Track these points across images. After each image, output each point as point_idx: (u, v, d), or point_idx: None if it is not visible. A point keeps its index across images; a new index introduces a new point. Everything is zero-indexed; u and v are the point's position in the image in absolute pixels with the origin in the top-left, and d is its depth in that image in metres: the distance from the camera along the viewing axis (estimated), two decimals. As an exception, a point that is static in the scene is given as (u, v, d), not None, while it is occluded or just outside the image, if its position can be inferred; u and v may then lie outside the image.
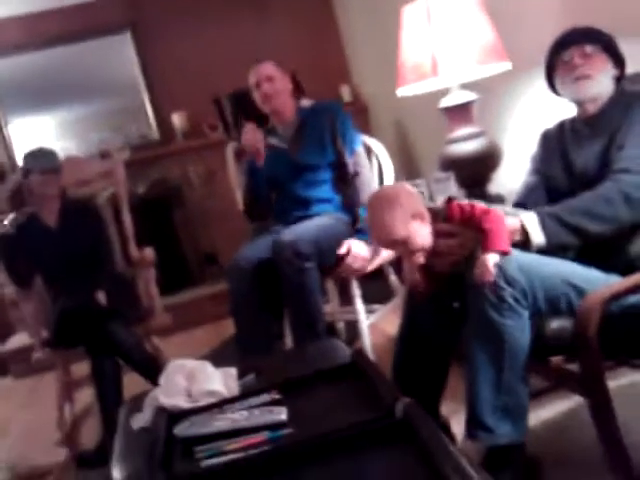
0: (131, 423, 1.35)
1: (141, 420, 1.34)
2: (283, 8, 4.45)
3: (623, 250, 1.41)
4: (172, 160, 4.24)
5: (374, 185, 2.40)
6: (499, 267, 1.26)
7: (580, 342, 1.24)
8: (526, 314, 1.28)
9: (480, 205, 1.36)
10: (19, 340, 3.63)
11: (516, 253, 1.31)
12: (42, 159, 2.45)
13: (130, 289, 2.66)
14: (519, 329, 1.27)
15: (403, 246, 1.36)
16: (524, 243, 1.37)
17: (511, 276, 1.25)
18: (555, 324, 1.31)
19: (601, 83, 1.49)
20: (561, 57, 1.54)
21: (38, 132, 4.22)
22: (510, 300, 1.25)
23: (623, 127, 1.42)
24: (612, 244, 1.41)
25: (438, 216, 1.38)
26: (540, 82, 2.36)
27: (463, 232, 1.36)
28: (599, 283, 1.32)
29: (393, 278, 2.58)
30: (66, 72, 4.21)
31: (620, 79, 1.53)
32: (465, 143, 2.29)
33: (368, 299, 2.38)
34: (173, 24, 4.33)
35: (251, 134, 2.30)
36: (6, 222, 2.50)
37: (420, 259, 1.38)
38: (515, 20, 2.38)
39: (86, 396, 2.79)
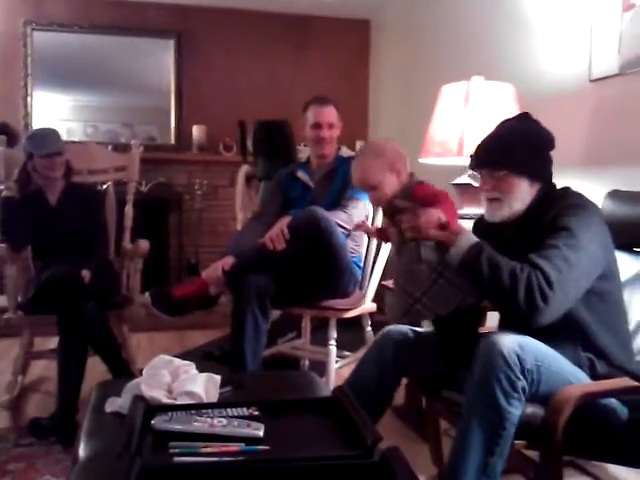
0: (105, 406, 1.36)
1: (115, 405, 1.35)
2: (321, 54, 4.65)
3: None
4: (181, 168, 4.34)
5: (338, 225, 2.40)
6: (517, 357, 1.28)
7: (547, 432, 1.29)
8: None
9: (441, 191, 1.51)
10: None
11: (534, 342, 1.34)
12: (45, 143, 2.47)
13: (115, 276, 2.70)
14: (518, 418, 1.30)
15: (373, 191, 1.57)
16: (446, 243, 1.42)
17: (528, 369, 1.29)
18: (529, 409, 1.34)
19: (513, 205, 1.49)
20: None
21: (53, 109, 4.27)
22: (521, 391, 1.29)
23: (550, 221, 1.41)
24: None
25: (404, 190, 1.54)
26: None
27: (416, 211, 1.43)
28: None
29: (369, 329, 2.63)
30: (101, 60, 4.29)
31: (545, 186, 1.51)
32: (470, 222, 2.39)
33: (339, 344, 2.43)
34: (217, 44, 4.48)
35: (216, 278, 2.19)
36: (12, 186, 2.54)
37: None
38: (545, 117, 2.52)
39: (39, 369, 2.80)
